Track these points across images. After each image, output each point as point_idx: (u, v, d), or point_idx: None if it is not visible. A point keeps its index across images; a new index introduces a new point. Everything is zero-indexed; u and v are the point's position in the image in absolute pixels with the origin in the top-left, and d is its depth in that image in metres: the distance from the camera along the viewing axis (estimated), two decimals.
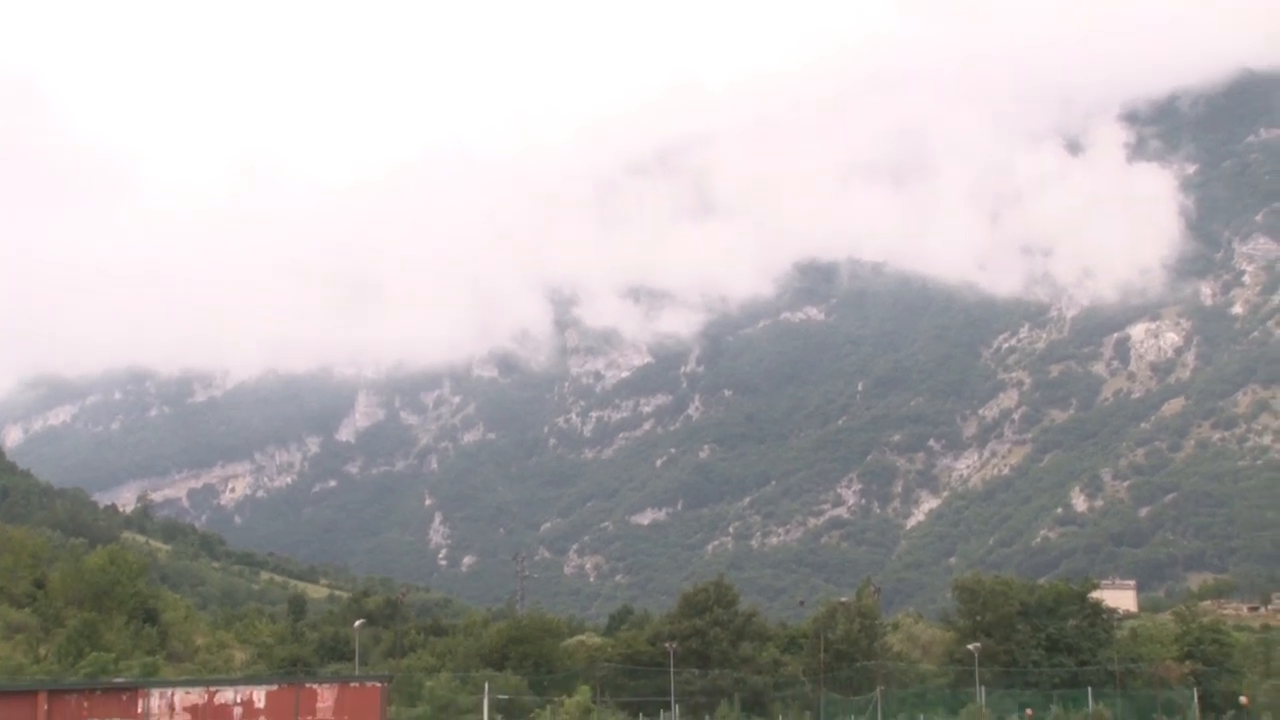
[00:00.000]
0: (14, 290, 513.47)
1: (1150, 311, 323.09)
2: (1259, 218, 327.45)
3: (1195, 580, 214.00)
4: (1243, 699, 75.36)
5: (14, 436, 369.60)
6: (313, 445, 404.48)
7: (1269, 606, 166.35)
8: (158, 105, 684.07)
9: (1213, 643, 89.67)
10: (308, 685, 54.16)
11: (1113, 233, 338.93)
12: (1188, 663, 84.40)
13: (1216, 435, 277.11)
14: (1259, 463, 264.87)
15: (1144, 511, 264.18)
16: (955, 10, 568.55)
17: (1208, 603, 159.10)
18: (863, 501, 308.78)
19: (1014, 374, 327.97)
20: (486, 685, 74.17)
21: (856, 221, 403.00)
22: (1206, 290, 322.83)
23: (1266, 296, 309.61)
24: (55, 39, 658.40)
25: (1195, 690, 75.44)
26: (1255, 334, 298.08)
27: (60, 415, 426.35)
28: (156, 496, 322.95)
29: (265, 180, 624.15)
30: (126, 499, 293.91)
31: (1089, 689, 73.73)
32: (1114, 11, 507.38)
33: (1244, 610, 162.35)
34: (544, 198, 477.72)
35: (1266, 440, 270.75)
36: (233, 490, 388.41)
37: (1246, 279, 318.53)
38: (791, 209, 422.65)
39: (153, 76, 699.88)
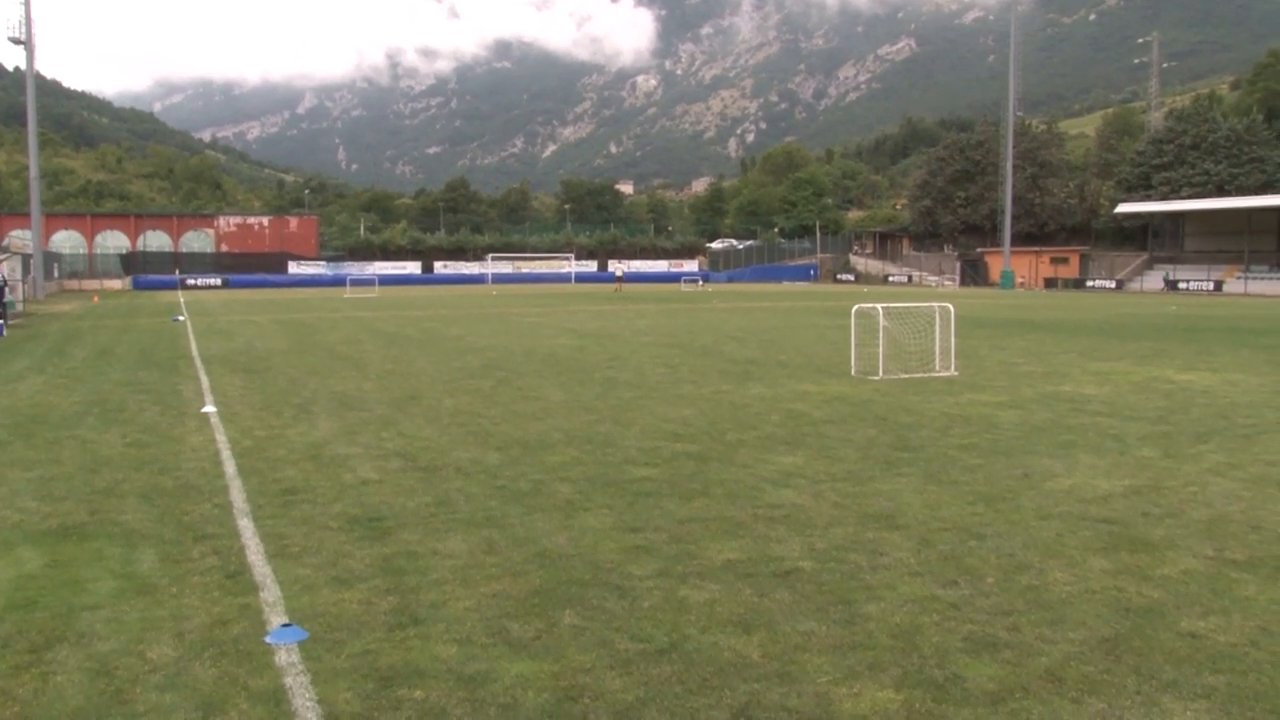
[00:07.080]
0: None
1: (644, 71, 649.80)
2: (705, 30, 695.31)
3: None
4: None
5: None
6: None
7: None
8: None
9: None
10: (285, 217, 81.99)
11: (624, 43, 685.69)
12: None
13: (680, 110, 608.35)
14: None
15: (639, 154, 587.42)
16: None
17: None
18: (526, 145, 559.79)
19: (589, 93, 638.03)
20: (362, 220, 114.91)
21: (530, 27, 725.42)
22: (670, 64, 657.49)
23: (690, 71, 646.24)
24: None
25: None
26: (691, 82, 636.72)
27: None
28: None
29: None
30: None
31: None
32: None
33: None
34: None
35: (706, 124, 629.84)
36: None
37: (683, 60, 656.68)
38: (497, 22, 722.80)
39: None
